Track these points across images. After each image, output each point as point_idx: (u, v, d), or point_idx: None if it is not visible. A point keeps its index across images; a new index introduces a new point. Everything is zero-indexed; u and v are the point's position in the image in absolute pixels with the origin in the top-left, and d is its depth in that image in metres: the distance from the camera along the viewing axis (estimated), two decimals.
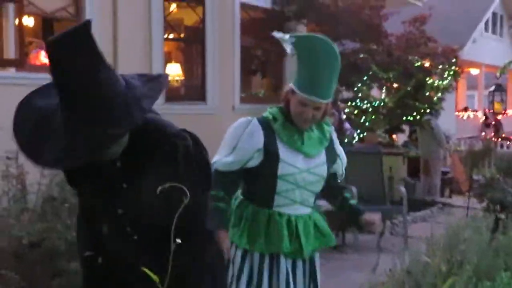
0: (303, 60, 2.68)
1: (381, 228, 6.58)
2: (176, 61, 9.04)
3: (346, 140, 9.14)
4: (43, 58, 6.73)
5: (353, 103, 8.81)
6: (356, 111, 8.84)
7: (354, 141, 9.19)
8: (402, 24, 9.78)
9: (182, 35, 8.81)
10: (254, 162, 2.72)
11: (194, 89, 8.24)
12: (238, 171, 2.75)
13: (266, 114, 2.82)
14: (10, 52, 6.00)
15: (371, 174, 7.10)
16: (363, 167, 7.16)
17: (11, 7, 5.97)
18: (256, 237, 2.76)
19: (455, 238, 3.38)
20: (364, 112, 8.76)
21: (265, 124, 2.75)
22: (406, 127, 10.63)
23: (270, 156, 2.71)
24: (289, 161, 2.71)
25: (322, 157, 2.81)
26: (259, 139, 2.72)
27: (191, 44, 8.64)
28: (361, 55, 8.01)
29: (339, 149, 2.95)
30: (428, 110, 8.92)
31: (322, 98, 2.67)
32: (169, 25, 7.91)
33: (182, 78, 8.76)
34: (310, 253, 2.82)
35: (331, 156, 2.86)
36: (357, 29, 8.20)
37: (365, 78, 8.27)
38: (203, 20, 7.88)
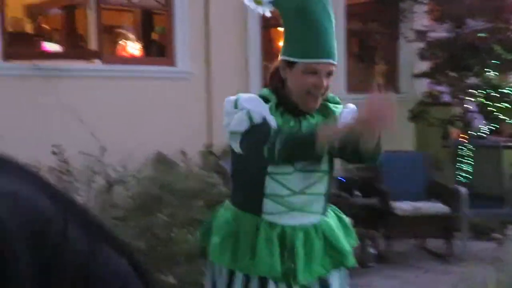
0: (297, 19, 2.10)
1: None
2: None
3: (475, 134, 8.12)
4: (130, 49, 6.57)
5: (479, 91, 7.74)
6: (483, 100, 7.77)
7: (484, 134, 8.13)
8: None
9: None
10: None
11: None
12: None
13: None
14: (94, 44, 5.90)
15: (489, 171, 6.15)
16: (480, 163, 6.25)
17: None
18: (240, 252, 2.15)
19: None
20: (491, 100, 7.67)
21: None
22: None
23: None
24: None
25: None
26: (265, 106, 2.14)
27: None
28: (480, 34, 6.99)
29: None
30: None
31: (333, 58, 2.10)
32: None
33: None
34: (312, 278, 2.15)
35: None
36: (483, 6, 7.17)
37: (491, 61, 7.20)
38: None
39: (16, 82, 5.54)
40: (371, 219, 5.70)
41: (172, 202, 3.81)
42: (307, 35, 2.08)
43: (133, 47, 6.53)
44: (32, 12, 8.72)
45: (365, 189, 5.66)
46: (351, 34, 7.77)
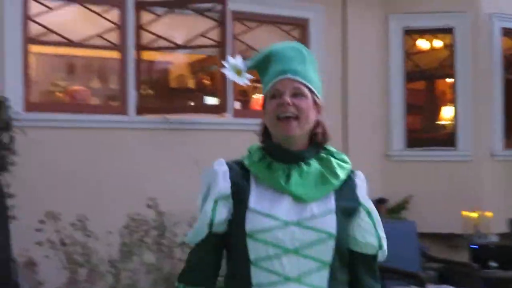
0: (267, 65, 1.94)
1: None
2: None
3: None
4: None
5: None
6: None
7: None
8: None
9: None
10: (222, 216, 1.84)
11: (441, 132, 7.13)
12: (210, 240, 1.86)
13: None
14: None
15: None
16: None
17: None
18: None
19: None
20: None
21: (238, 164, 1.91)
22: None
23: (239, 204, 1.83)
24: (263, 208, 1.79)
25: (329, 202, 1.81)
26: (224, 183, 1.85)
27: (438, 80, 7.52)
28: None
29: (365, 198, 1.89)
30: None
31: (295, 74, 1.86)
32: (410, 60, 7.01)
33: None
34: None
35: (348, 203, 1.83)
36: None
37: None
38: (452, 52, 6.77)
39: (148, 134, 5.79)
40: None
41: None
42: (272, 68, 1.91)
43: None
44: (195, 69, 9.21)
45: (504, 259, 4.91)
46: (510, 84, 7.00)
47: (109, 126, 5.67)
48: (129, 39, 5.79)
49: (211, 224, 1.85)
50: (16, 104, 5.18)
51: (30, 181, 4.83)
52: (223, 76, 5.89)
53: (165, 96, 7.33)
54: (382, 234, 1.89)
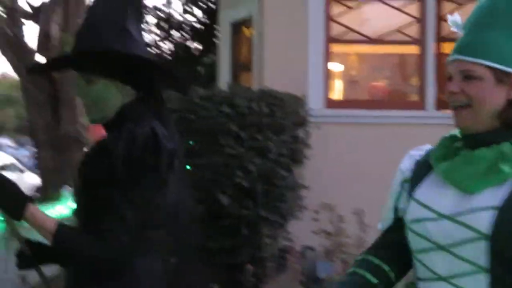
0: None
1: None
2: None
3: None
4: None
5: None
6: None
7: None
8: None
9: None
10: (404, 203, 1.70)
11: None
12: (397, 226, 1.71)
13: None
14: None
15: None
16: None
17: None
18: None
19: None
20: None
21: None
22: None
23: (410, 191, 1.68)
24: (424, 199, 1.60)
25: (496, 195, 1.49)
26: (406, 166, 1.71)
27: None
28: None
29: None
30: None
31: (463, 52, 1.55)
32: None
33: None
34: None
35: None
36: None
37: None
38: None
39: (446, 130, 5.53)
40: None
41: None
42: None
43: None
44: None
45: None
46: None
47: (406, 122, 5.59)
48: (429, 32, 5.62)
49: (396, 209, 1.72)
50: (317, 101, 5.48)
51: (318, 174, 5.06)
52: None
53: None
54: None
